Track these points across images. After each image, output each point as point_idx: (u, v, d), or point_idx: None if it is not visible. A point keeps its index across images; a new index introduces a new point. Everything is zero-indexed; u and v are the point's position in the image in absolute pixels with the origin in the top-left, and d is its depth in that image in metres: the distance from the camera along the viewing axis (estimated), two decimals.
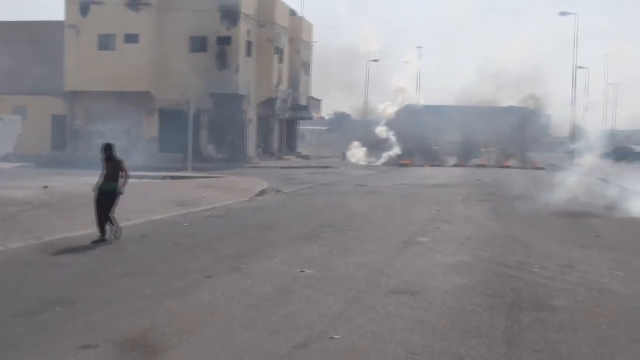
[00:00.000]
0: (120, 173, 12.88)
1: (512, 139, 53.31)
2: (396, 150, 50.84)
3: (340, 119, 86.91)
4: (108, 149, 12.98)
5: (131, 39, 41.76)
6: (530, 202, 21.57)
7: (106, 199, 12.73)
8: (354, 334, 7.02)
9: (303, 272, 10.04)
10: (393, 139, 51.70)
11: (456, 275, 10.03)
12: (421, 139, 52.93)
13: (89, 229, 13.64)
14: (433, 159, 50.06)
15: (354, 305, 8.17)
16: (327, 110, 76.73)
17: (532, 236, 14.22)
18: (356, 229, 14.98)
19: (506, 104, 61.03)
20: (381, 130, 53.10)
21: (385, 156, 51.12)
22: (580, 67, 57.92)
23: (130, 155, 40.33)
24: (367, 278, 9.72)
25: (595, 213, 19.07)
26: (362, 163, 49.71)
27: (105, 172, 12.90)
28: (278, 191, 24.12)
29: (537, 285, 9.48)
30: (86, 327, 7.17)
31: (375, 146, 52.26)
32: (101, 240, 12.48)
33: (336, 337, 6.87)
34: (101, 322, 7.34)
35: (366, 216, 17.47)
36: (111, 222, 12.74)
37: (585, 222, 17.37)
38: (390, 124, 53.74)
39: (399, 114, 56.33)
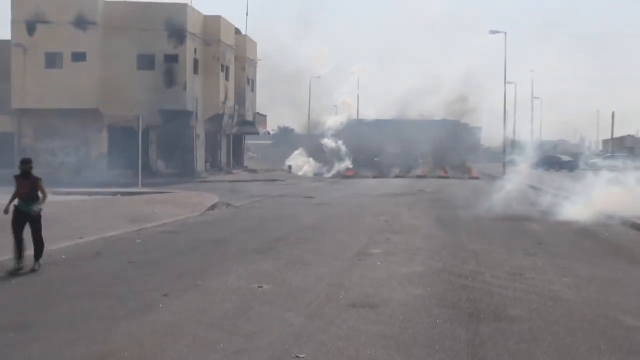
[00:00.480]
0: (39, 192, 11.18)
1: (447, 150, 53.97)
2: (341, 163, 50.91)
3: (284, 133, 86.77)
4: (27, 162, 11.20)
5: (78, 57, 40.49)
6: (471, 210, 21.66)
7: (28, 221, 11.10)
8: (318, 351, 6.66)
9: (261, 287, 9.63)
10: (338, 151, 51.80)
11: (412, 286, 9.78)
12: (364, 151, 53.20)
13: (51, 246, 12.95)
14: (376, 171, 50.16)
15: (315, 320, 7.80)
16: (271, 125, 76.37)
17: (478, 244, 14.12)
18: (309, 241, 14.62)
19: (440, 117, 62.11)
20: (327, 143, 53.16)
21: (329, 168, 51.23)
22: (509, 82, 58.92)
23: (80, 171, 39.54)
24: (325, 291, 9.37)
25: (532, 218, 19.39)
26: (309, 175, 49.60)
27: (20, 191, 11.09)
28: (228, 205, 23.61)
29: (491, 294, 9.29)
30: (41, 353, 6.64)
31: (321, 158, 52.25)
32: (18, 269, 10.80)
33: (301, 355, 6.49)
34: (57, 347, 6.79)
35: (317, 228, 17.13)
36: (40, 247, 11.21)
37: (525, 228, 17.46)
38: (336, 137, 53.92)
39: (343, 127, 56.58)
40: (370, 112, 69.48)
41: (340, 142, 52.57)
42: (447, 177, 46.99)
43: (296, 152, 60.99)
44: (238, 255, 12.57)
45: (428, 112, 61.56)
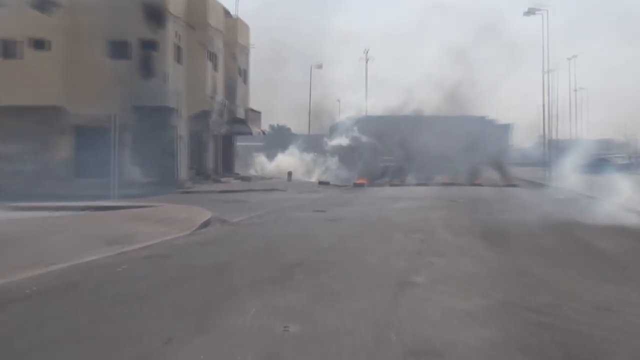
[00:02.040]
0: None
1: (473, 151, 53.29)
2: (352, 166, 50.74)
3: (279, 132, 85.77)
4: None
5: (39, 44, 39.98)
6: (522, 225, 21.08)
7: None
8: None
9: (287, 328, 8.94)
10: (348, 153, 51.78)
11: (478, 325, 9.10)
12: (376, 154, 52.97)
13: (16, 275, 12.31)
14: (392, 177, 49.75)
15: None
16: (265, 124, 75.90)
17: (545, 269, 13.47)
18: (332, 266, 13.94)
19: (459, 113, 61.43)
20: (335, 144, 53.05)
21: (335, 175, 51.15)
22: (550, 71, 58.29)
23: (40, 181, 38.90)
24: (371, 334, 8.68)
25: (599, 234, 18.83)
26: (312, 181, 49.44)
27: None
28: (224, 221, 22.98)
29: (581, 336, 8.62)
30: None
31: (329, 161, 52.23)
32: None
33: None
34: None
35: (338, 250, 16.44)
36: None
37: (595, 246, 16.90)
38: (346, 135, 53.86)
39: (351, 125, 56.48)
40: (378, 108, 68.85)
41: (351, 142, 52.50)
42: (479, 185, 46.42)
43: (287, 151, 60.80)
44: (248, 286, 11.87)
45: (446, 108, 61.07)
